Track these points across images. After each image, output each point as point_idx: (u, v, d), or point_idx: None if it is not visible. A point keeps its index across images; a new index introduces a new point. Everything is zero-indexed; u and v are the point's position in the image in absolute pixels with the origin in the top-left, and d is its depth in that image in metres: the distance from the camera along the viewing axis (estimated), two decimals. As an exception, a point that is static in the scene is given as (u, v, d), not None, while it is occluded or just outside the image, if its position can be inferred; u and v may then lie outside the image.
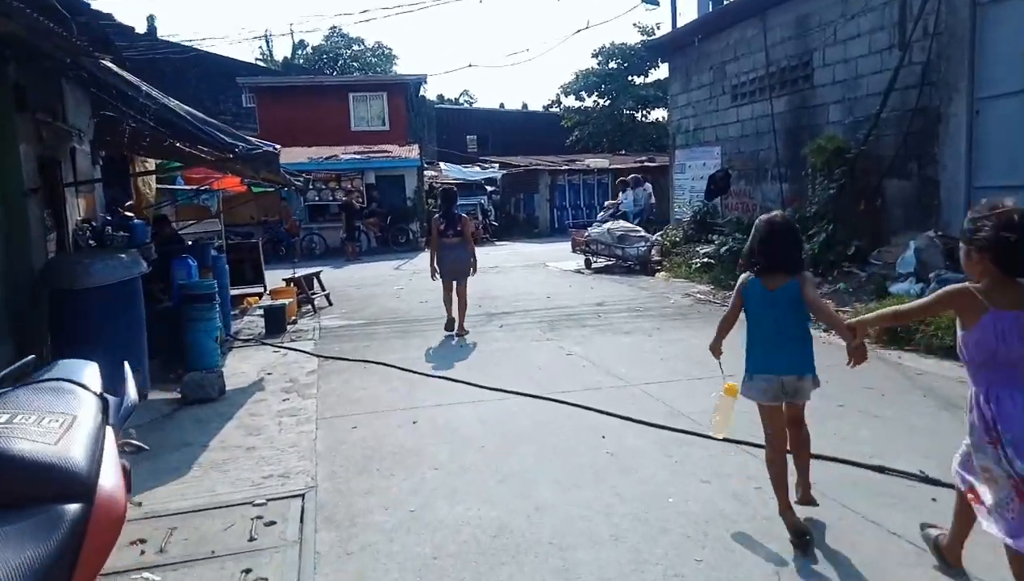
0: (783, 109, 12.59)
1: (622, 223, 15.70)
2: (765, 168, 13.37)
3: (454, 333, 8.83)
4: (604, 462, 4.47)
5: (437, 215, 9.26)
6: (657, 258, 14.68)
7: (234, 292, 12.77)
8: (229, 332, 9.50)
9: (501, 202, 28.57)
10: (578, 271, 15.23)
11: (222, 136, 6.25)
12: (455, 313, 8.97)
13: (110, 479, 1.72)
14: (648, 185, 18.71)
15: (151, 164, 10.87)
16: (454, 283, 9.02)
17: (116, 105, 6.13)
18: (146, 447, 2.33)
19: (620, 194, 18.24)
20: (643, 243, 14.68)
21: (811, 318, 3.45)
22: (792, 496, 3.50)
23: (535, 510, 3.80)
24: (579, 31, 62.57)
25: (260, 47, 49.46)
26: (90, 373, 2.19)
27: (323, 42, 45.97)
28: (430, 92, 39.66)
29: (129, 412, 2.07)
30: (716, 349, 3.73)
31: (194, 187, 12.75)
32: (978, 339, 2.62)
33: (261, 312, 10.45)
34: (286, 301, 10.26)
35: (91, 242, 7.59)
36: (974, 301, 2.62)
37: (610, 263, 15.26)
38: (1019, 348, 2.54)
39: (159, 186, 12.32)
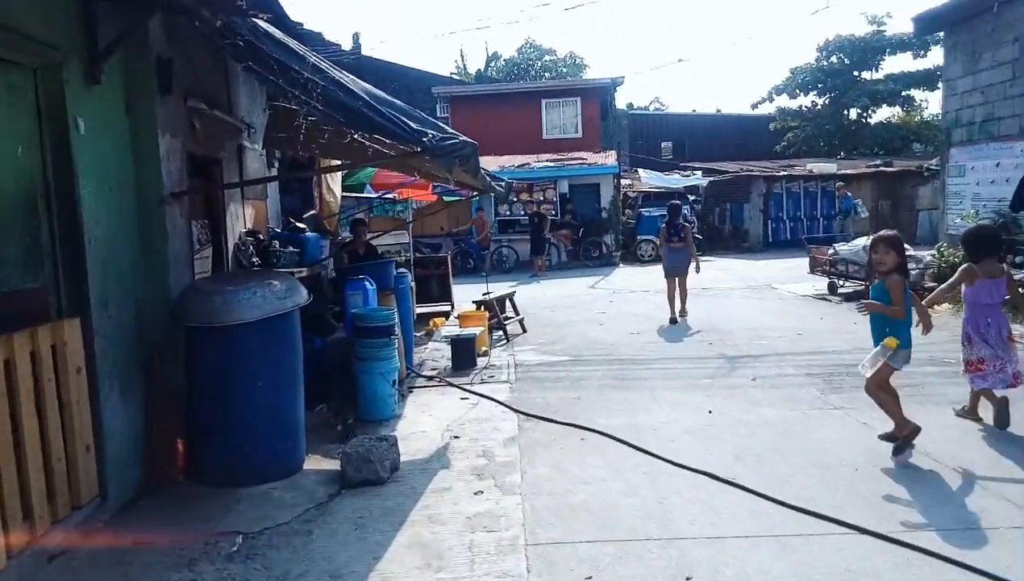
0: None
1: (881, 239, 12.58)
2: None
3: (676, 321, 10.37)
4: None
5: (663, 225, 11.28)
6: (930, 284, 11.47)
7: (419, 310, 11.45)
8: (411, 364, 7.96)
9: (703, 213, 25.72)
10: (821, 297, 12.35)
11: (406, 121, 4.53)
12: (677, 311, 10.57)
13: None
14: None
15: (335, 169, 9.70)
16: (676, 279, 10.63)
17: (277, 83, 4.63)
18: None
19: None
20: (912, 266, 11.52)
21: None
22: None
23: None
24: (816, 12, 55.93)
25: (455, 61, 50.08)
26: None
27: (515, 54, 45.41)
28: (619, 100, 37.34)
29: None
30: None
31: (378, 195, 11.57)
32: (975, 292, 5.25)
33: (446, 338, 8.85)
34: (476, 330, 8.56)
35: (254, 259, 6.27)
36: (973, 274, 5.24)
37: (863, 288, 12.22)
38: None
39: (346, 194, 11.23)
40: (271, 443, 4.54)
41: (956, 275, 5.44)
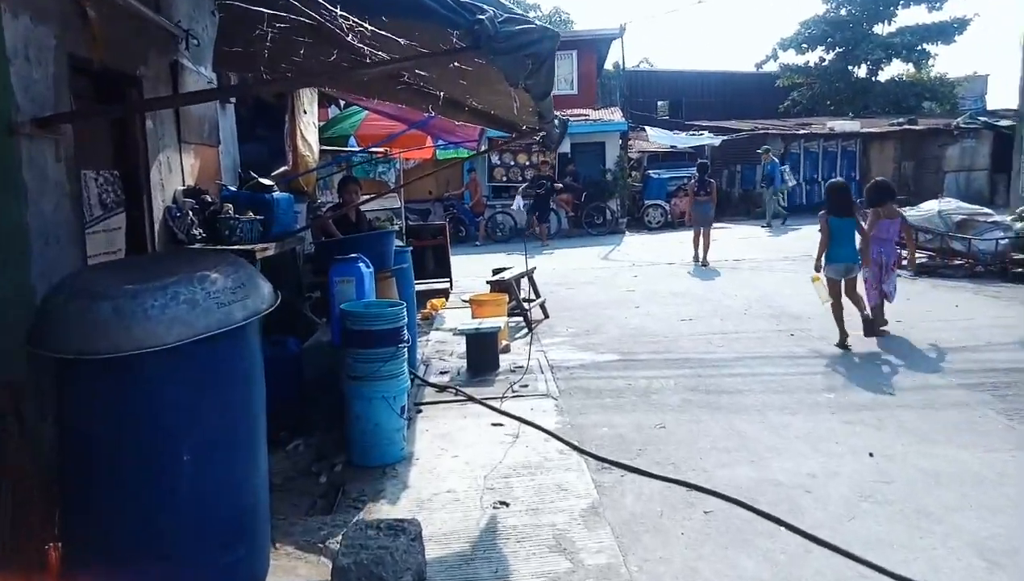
0: None
1: (958, 203, 10.81)
2: None
3: (699, 264, 11.89)
4: None
5: (692, 181, 13.07)
6: (1019, 256, 9.75)
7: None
8: (413, 366, 6.05)
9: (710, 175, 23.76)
10: (886, 272, 10.54)
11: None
12: (701, 253, 12.03)
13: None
14: None
15: (312, 108, 7.64)
16: (702, 229, 12.08)
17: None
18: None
19: None
20: (999, 233, 9.77)
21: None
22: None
23: None
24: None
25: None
26: None
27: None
28: (610, 57, 34.92)
29: None
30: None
31: (363, 149, 9.52)
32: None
33: (461, 331, 6.93)
34: (497, 321, 6.63)
35: (196, 231, 4.27)
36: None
37: (934, 261, 10.45)
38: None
39: (325, 148, 9.14)
40: (208, 558, 2.59)
41: (871, 218, 6.86)
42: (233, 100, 5.80)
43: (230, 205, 4.49)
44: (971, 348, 6.09)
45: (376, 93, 5.05)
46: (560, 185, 18.87)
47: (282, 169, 7.16)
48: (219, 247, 4.14)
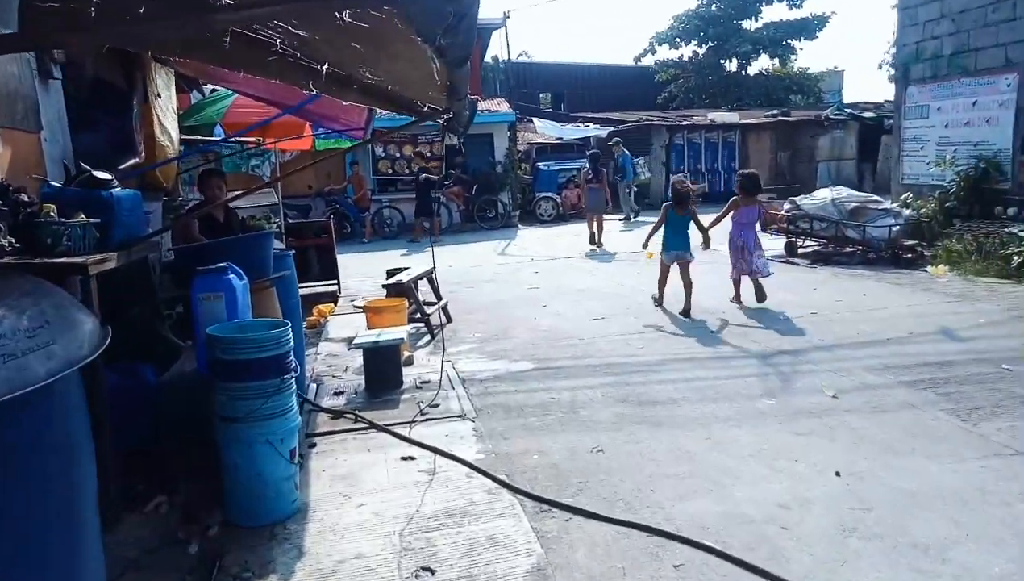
0: None
1: (849, 191, 10.95)
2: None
3: (596, 248, 12.73)
4: None
5: (586, 168, 14.05)
6: (909, 242, 9.96)
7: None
8: (302, 389, 5.20)
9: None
10: (784, 260, 10.53)
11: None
12: (596, 238, 12.87)
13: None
14: None
15: (169, 92, 6.54)
16: (595, 215, 12.90)
17: None
18: None
19: None
20: (890, 220, 9.93)
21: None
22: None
23: None
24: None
25: None
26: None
27: None
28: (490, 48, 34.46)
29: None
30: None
31: (228, 137, 8.42)
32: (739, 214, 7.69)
33: (346, 339, 6.05)
34: (399, 332, 5.85)
35: (5, 241, 3.25)
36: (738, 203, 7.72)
37: (828, 249, 10.56)
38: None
39: (187, 138, 7.98)
40: None
41: (727, 205, 7.85)
42: (58, 75, 4.70)
43: (53, 206, 3.48)
44: (896, 340, 5.91)
45: (242, 64, 4.11)
46: (452, 173, 18.14)
47: (132, 161, 6.02)
48: (39, 261, 3.17)
